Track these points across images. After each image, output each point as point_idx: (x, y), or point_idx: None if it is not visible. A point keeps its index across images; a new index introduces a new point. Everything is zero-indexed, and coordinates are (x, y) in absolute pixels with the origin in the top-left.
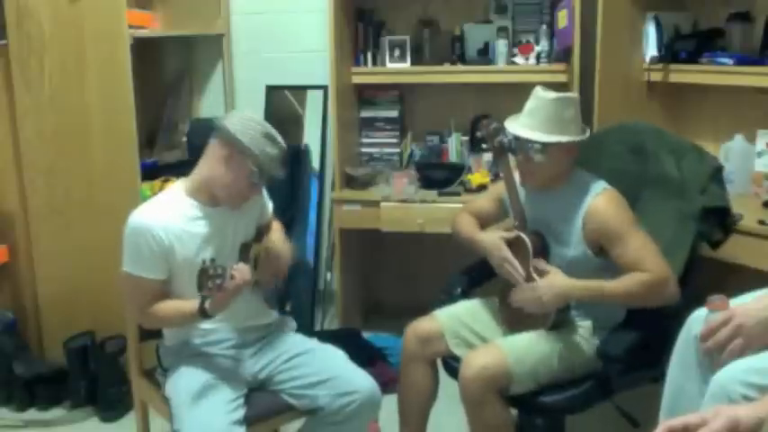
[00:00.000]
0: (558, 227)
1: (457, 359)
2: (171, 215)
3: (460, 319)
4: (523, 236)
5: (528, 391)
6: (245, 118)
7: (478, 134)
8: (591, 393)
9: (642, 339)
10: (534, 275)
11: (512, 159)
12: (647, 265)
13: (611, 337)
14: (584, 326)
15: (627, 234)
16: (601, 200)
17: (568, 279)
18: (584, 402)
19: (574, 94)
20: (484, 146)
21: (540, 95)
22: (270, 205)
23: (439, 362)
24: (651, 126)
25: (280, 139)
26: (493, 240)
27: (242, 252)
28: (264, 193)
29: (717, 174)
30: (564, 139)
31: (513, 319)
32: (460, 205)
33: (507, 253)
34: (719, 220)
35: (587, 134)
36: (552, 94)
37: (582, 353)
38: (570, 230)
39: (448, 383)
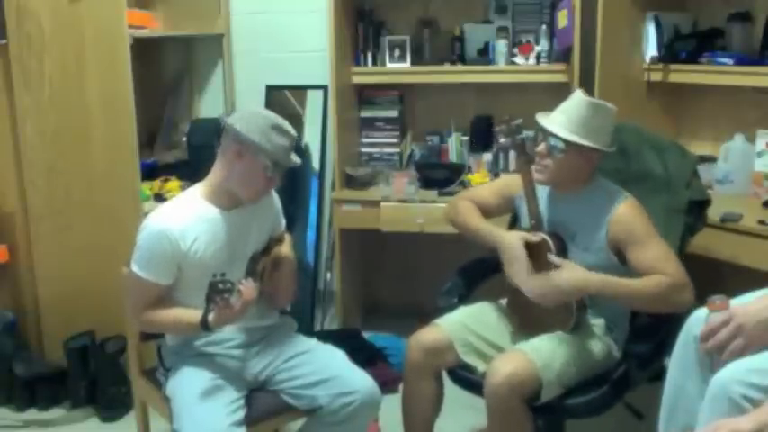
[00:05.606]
0: (580, 232)
1: (467, 368)
2: (189, 218)
3: (466, 326)
4: (547, 238)
5: (555, 397)
6: (251, 114)
7: (498, 129)
8: (611, 392)
9: (660, 335)
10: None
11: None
12: (667, 269)
13: (632, 335)
14: (597, 324)
15: (649, 239)
16: (625, 207)
17: (586, 270)
18: (606, 401)
19: (612, 106)
20: (502, 140)
21: (576, 96)
22: (283, 220)
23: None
24: (630, 124)
25: (287, 126)
26: (511, 241)
27: (251, 263)
28: (279, 205)
29: (697, 168)
30: (585, 142)
31: (530, 323)
32: None
33: (523, 254)
34: (700, 212)
35: (614, 149)
36: (589, 98)
37: (599, 352)
38: (593, 236)
39: (449, 390)
